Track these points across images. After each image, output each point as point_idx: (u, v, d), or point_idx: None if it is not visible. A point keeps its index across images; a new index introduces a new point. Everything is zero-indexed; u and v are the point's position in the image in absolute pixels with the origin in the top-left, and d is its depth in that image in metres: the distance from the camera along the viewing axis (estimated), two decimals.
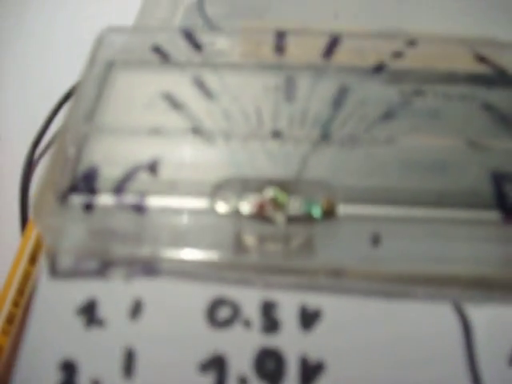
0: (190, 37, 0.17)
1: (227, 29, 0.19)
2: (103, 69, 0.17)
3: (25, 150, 0.25)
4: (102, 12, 0.28)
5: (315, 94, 0.16)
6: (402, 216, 0.14)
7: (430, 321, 0.14)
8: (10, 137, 0.26)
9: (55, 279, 0.14)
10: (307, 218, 0.14)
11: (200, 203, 0.14)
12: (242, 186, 0.15)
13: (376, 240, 0.13)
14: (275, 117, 0.16)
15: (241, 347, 0.13)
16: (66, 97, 0.24)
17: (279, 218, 0.14)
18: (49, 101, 0.25)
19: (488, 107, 0.16)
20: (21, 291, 0.20)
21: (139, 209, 0.13)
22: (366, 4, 0.22)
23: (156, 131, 0.15)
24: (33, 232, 0.21)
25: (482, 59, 0.16)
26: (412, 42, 0.17)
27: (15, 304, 0.20)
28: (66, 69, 0.26)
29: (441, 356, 0.13)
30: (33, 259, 0.21)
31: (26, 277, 0.20)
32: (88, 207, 0.13)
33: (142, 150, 0.15)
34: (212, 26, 0.24)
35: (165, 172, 0.15)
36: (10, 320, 0.19)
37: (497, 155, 0.15)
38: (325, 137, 0.15)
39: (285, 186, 0.15)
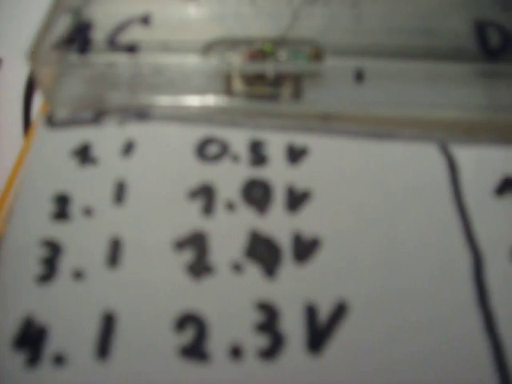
0: None
1: None
2: None
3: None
4: None
5: None
6: (385, 65, 0.15)
7: (416, 160, 0.15)
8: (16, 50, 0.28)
9: (52, 129, 0.16)
10: (295, 64, 0.15)
11: (191, 57, 0.16)
12: (231, 44, 0.16)
13: (359, 76, 0.15)
14: None
15: (229, 177, 0.14)
16: None
17: (268, 65, 0.15)
18: None
19: None
20: None
21: (131, 51, 0.15)
22: None
23: None
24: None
25: None
26: None
27: None
28: None
29: (427, 192, 0.15)
30: None
31: None
32: (83, 51, 0.15)
33: (130, 5, 0.16)
34: None
35: (157, 31, 0.16)
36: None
37: (487, 8, 0.16)
38: None
39: (274, 41, 0.16)
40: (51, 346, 0.12)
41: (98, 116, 0.15)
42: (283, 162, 0.15)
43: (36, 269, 0.13)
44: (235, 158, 0.15)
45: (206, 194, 0.14)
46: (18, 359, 0.12)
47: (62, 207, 0.14)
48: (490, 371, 0.12)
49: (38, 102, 0.26)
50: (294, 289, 0.13)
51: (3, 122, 0.26)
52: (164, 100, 0.15)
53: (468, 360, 0.12)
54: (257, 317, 0.12)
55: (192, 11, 0.16)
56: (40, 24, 0.15)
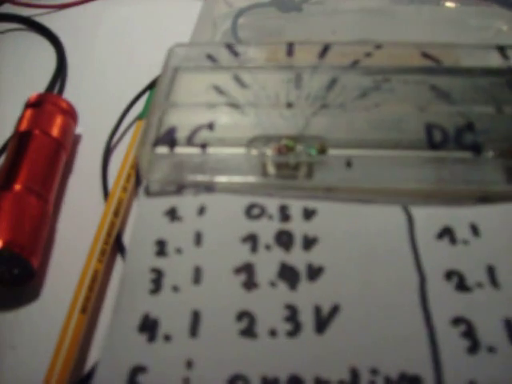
0: (230, 48, 0.30)
1: (254, 43, 0.31)
2: (172, 70, 0.29)
3: (105, 138, 0.38)
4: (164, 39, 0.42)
5: (314, 82, 0.29)
6: (367, 154, 0.26)
7: (386, 216, 0.25)
8: (92, 130, 0.39)
9: (148, 197, 0.26)
10: (308, 156, 0.26)
11: (240, 150, 0.27)
12: (266, 140, 0.27)
13: (349, 164, 0.25)
14: (288, 96, 0.28)
15: (266, 229, 0.25)
16: (136, 98, 0.37)
17: (290, 157, 0.26)
18: (123, 100, 0.39)
19: (432, 88, 0.28)
20: (109, 234, 0.32)
21: (203, 147, 0.26)
22: (356, 23, 0.34)
23: (209, 106, 0.28)
24: (113, 198, 0.34)
25: (426, 56, 0.29)
26: (378, 46, 0.29)
27: (106, 242, 0.32)
28: (123, 92, 0.40)
29: (393, 237, 0.25)
30: (116, 213, 0.33)
31: (113, 225, 0.33)
32: (170, 151, 0.26)
33: (201, 117, 0.27)
34: (224, 42, 0.37)
35: (217, 131, 0.27)
36: (103, 252, 0.32)
37: (434, 115, 0.27)
38: (322, 107, 0.28)
39: (294, 138, 0.27)
40: (162, 330, 0.23)
41: (180, 189, 0.26)
42: (300, 219, 0.25)
43: (148, 285, 0.24)
44: (270, 217, 0.25)
45: (252, 240, 0.25)
46: (142, 338, 0.23)
47: (160, 248, 0.25)
48: (425, 350, 0.22)
49: (112, 172, 0.37)
50: (309, 297, 0.23)
51: (84, 189, 0.37)
52: (223, 179, 0.26)
53: (410, 343, 0.22)
54: (285, 313, 0.23)
55: (239, 118, 0.27)
56: (144, 128, 0.26)
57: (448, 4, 0.38)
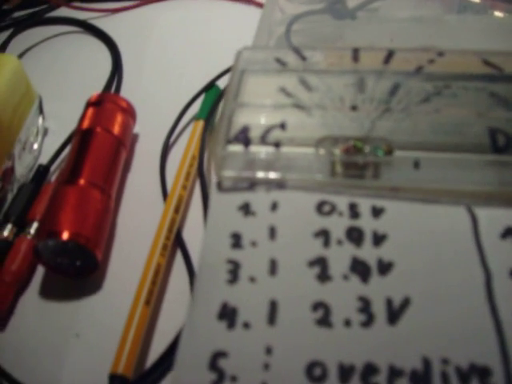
0: (298, 51, 0.32)
1: (321, 47, 0.33)
2: (240, 72, 0.31)
3: (162, 137, 0.39)
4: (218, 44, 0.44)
5: (378, 87, 0.30)
6: (432, 156, 0.28)
7: (451, 215, 0.27)
8: (149, 129, 0.41)
9: (220, 192, 0.28)
10: (375, 156, 0.28)
11: (309, 149, 0.28)
12: (333, 140, 0.29)
13: (416, 165, 0.27)
14: (353, 100, 0.30)
15: (337, 225, 0.26)
16: (192, 100, 0.39)
17: (359, 157, 0.28)
18: (178, 101, 0.40)
19: (492, 94, 0.30)
20: (170, 229, 0.34)
21: (276, 146, 0.28)
22: (412, 31, 0.36)
23: (277, 107, 0.30)
24: (174, 195, 0.35)
25: (487, 63, 0.30)
26: (441, 54, 0.31)
27: (167, 238, 0.34)
28: (178, 94, 0.42)
29: (457, 236, 0.27)
30: (177, 210, 0.35)
31: (173, 221, 0.35)
32: (245, 146, 0.28)
33: (272, 118, 0.29)
34: (296, 52, 0.39)
35: (288, 131, 0.29)
36: (164, 247, 0.33)
37: (494, 120, 0.29)
38: (386, 110, 0.29)
39: (361, 139, 0.29)
40: (241, 318, 0.24)
41: (252, 185, 0.28)
42: (369, 216, 0.27)
43: (225, 275, 0.25)
44: (340, 214, 0.27)
45: (324, 235, 0.26)
46: (221, 325, 0.24)
47: (236, 241, 0.26)
48: (492, 343, 0.23)
49: (169, 170, 0.39)
50: (380, 290, 0.25)
51: (142, 186, 0.39)
52: (293, 176, 0.28)
53: (478, 335, 0.24)
54: (358, 304, 0.24)
55: (307, 119, 0.29)
56: (214, 135, 0.28)
57: (496, 13, 0.40)
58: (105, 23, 0.49)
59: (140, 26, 0.50)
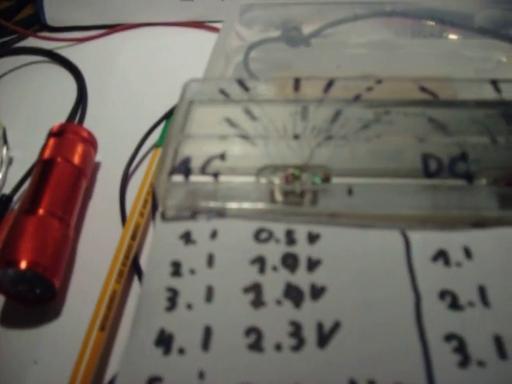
0: (241, 83, 0.33)
1: (264, 78, 0.35)
2: (187, 104, 0.33)
3: (123, 165, 0.41)
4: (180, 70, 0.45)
5: (319, 115, 0.32)
6: (368, 182, 0.29)
7: (385, 240, 0.28)
8: (111, 157, 0.43)
9: (164, 222, 0.30)
10: (313, 184, 0.29)
11: (249, 179, 0.30)
12: (274, 169, 0.30)
13: (350, 192, 0.28)
14: (295, 129, 0.32)
15: (273, 252, 0.28)
16: (152, 128, 0.41)
17: (296, 185, 0.29)
18: (140, 129, 0.42)
19: (430, 120, 0.32)
20: (127, 256, 0.36)
21: (215, 176, 0.29)
22: (363, 57, 0.38)
23: (221, 138, 0.31)
24: (131, 223, 0.37)
25: (423, 89, 0.32)
26: (379, 81, 0.32)
27: (123, 264, 0.35)
28: (140, 122, 0.43)
29: (390, 259, 0.28)
30: (133, 237, 0.36)
31: (130, 247, 0.36)
32: (185, 179, 0.29)
33: (214, 148, 0.31)
34: (253, 77, 0.40)
35: (228, 161, 0.31)
36: (120, 273, 0.35)
37: (430, 145, 0.30)
38: (326, 138, 0.31)
39: (300, 168, 0.30)
40: (176, 344, 0.26)
41: (194, 214, 0.29)
42: (305, 242, 0.28)
43: (164, 303, 0.27)
44: (277, 241, 0.28)
45: (260, 262, 0.27)
46: (158, 351, 0.26)
47: (176, 269, 0.28)
48: (419, 363, 0.24)
49: (130, 198, 0.41)
50: (312, 314, 0.26)
51: (103, 214, 0.40)
52: (234, 205, 0.29)
53: (405, 356, 0.25)
54: (290, 329, 0.26)
55: (249, 149, 0.30)
56: (161, 157, 0.30)
57: (451, 37, 0.41)
58: (71, 52, 0.51)
59: (105, 55, 0.51)
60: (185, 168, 0.28)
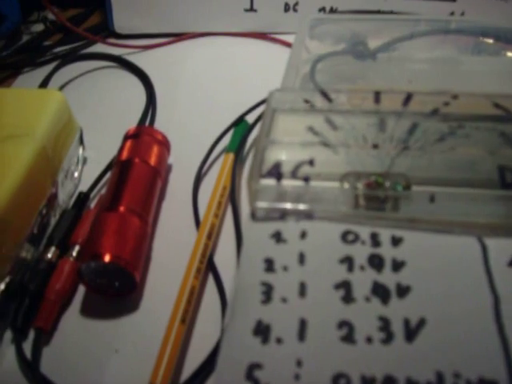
0: (324, 94, 0.37)
1: (345, 90, 0.38)
2: (271, 112, 0.36)
3: (194, 168, 0.44)
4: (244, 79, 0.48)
5: (397, 127, 0.35)
6: (446, 191, 0.32)
7: (463, 245, 0.31)
8: (182, 160, 0.46)
9: (254, 221, 0.33)
10: (395, 191, 0.32)
11: (334, 184, 0.33)
12: (356, 176, 0.33)
13: (432, 199, 0.31)
14: (374, 139, 0.35)
15: (360, 253, 0.30)
16: (223, 133, 0.44)
17: (379, 192, 0.32)
18: (208, 135, 0.45)
19: (502, 134, 0.35)
20: (204, 254, 0.39)
21: (305, 180, 0.32)
22: (428, 72, 0.41)
23: (306, 145, 0.34)
24: (207, 223, 0.40)
25: (497, 106, 0.35)
26: (455, 96, 0.36)
27: (201, 262, 0.38)
28: (208, 127, 0.46)
29: (468, 263, 0.31)
30: (209, 236, 0.39)
31: (206, 246, 0.39)
32: (278, 180, 0.32)
33: (301, 155, 0.34)
34: (319, 89, 0.43)
35: (316, 167, 0.34)
36: (198, 270, 0.38)
37: (504, 158, 0.33)
38: (404, 148, 0.34)
39: (381, 175, 0.33)
40: (274, 334, 0.29)
41: (283, 215, 0.32)
42: (389, 245, 0.31)
43: (260, 296, 0.30)
44: (363, 242, 0.31)
45: (348, 261, 0.31)
46: (257, 340, 0.28)
47: (269, 265, 0.31)
48: (499, 359, 0.27)
49: (201, 199, 0.44)
50: (399, 311, 0.29)
51: (176, 214, 0.43)
52: (320, 208, 0.32)
53: (486, 351, 0.28)
54: (379, 323, 0.29)
55: (332, 156, 0.33)
56: (253, 161, 0.33)
57: (509, 54, 0.44)
58: (139, 59, 0.54)
59: (172, 62, 0.55)
60: (276, 172, 0.31)
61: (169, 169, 0.43)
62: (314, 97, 0.34)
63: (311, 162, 0.31)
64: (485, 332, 0.27)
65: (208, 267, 0.37)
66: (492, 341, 0.26)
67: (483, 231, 0.30)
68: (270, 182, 0.31)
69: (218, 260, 0.37)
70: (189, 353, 0.34)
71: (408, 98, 0.34)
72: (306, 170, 0.31)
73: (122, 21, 0.56)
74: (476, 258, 0.29)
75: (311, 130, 0.33)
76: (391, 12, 0.52)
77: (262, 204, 0.31)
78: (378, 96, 0.34)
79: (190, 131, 0.46)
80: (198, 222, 0.39)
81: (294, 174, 0.31)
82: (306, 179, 0.30)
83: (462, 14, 0.52)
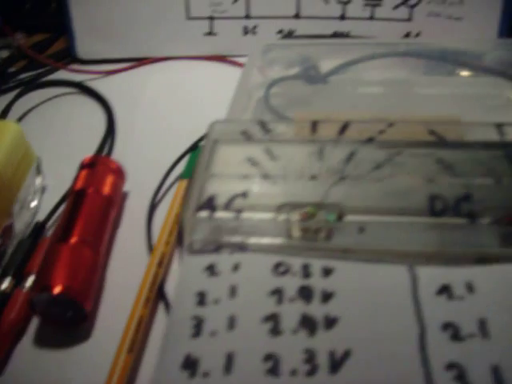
0: (263, 124, 0.37)
1: (283, 120, 0.38)
2: (212, 143, 0.37)
3: (150, 195, 0.45)
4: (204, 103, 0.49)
5: (335, 156, 0.36)
6: (379, 219, 0.33)
7: (393, 274, 0.32)
8: (139, 187, 0.47)
9: (191, 254, 0.33)
10: (327, 221, 0.33)
11: (269, 215, 0.34)
12: (292, 206, 0.34)
13: (361, 230, 0.32)
14: (312, 168, 0.35)
15: (290, 284, 0.31)
16: (177, 160, 0.45)
17: (312, 223, 0.33)
18: (166, 160, 0.46)
19: (438, 160, 0.35)
20: (153, 283, 0.39)
21: (238, 213, 0.33)
22: (380, 97, 0.42)
23: (244, 177, 0.35)
24: (158, 251, 0.41)
25: (432, 132, 0.36)
26: (391, 124, 0.36)
27: (150, 290, 0.39)
28: (166, 153, 0.47)
29: (397, 293, 0.31)
30: (160, 264, 0.40)
31: (156, 275, 0.40)
32: (210, 216, 0.33)
33: (236, 187, 0.34)
34: (274, 113, 0.44)
35: (250, 199, 0.34)
36: (147, 299, 0.39)
37: (437, 186, 0.34)
38: (341, 178, 0.35)
39: (316, 205, 0.34)
40: (201, 368, 0.29)
41: (218, 248, 0.33)
42: (320, 276, 0.32)
43: (190, 330, 0.31)
44: (294, 274, 0.32)
45: (278, 293, 0.31)
46: (184, 374, 0.29)
47: (200, 299, 0.31)
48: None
49: (156, 226, 0.44)
50: (325, 343, 0.29)
51: (130, 242, 0.44)
52: (254, 240, 0.33)
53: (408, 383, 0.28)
54: (304, 356, 0.29)
55: (269, 187, 0.34)
56: (187, 194, 0.33)
57: (462, 73, 0.45)
58: (101, 84, 0.55)
59: (133, 87, 0.56)
60: (210, 205, 0.32)
61: (125, 196, 0.44)
62: (253, 128, 0.35)
63: (244, 195, 0.32)
64: (409, 363, 0.27)
65: (158, 295, 0.38)
66: (415, 373, 0.27)
67: (414, 260, 0.30)
68: (204, 214, 0.31)
69: (170, 288, 0.38)
70: (137, 382, 0.34)
71: (344, 127, 0.34)
72: (239, 202, 0.32)
73: (85, 46, 0.57)
74: (405, 287, 0.30)
75: (250, 160, 0.34)
76: (347, 33, 0.53)
77: (197, 237, 0.32)
78: (314, 126, 0.35)
79: (148, 157, 0.47)
80: (151, 250, 0.40)
81: (227, 207, 0.31)
82: (239, 211, 0.31)
83: (418, 33, 0.53)
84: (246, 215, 0.31)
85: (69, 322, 0.37)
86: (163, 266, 0.38)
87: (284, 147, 0.34)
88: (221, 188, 0.32)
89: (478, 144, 0.33)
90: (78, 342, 0.36)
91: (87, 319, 0.36)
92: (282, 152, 0.34)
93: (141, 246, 0.40)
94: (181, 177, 0.43)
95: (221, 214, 0.31)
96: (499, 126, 0.34)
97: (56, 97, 0.56)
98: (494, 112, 0.43)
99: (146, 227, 0.41)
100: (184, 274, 0.31)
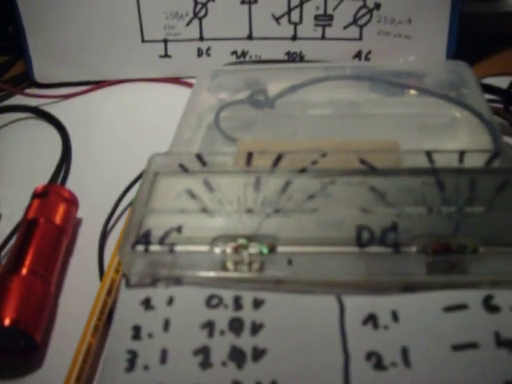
0: (199, 157, 0.39)
1: (220, 152, 0.40)
2: (152, 176, 0.38)
3: (103, 222, 0.46)
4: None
5: (270, 186, 0.37)
6: (308, 250, 0.34)
7: (321, 304, 0.33)
8: (92, 214, 0.48)
9: (128, 288, 0.35)
10: (260, 253, 0.34)
11: (204, 248, 0.35)
12: (226, 239, 0.35)
13: (290, 262, 0.33)
14: (248, 199, 0.37)
15: (222, 317, 0.33)
16: (128, 187, 0.46)
17: (244, 255, 0.34)
18: (121, 185, 0.47)
19: (371, 188, 0.37)
20: (102, 311, 0.41)
21: (171, 250, 0.34)
22: (314, 122, 0.43)
23: (181, 211, 0.36)
24: (107, 280, 0.42)
25: (363, 161, 0.37)
26: (323, 155, 0.38)
27: (99, 319, 0.40)
28: (122, 177, 0.49)
29: (325, 323, 0.33)
30: (109, 293, 0.42)
31: (106, 303, 0.41)
32: (146, 250, 0.34)
33: (172, 221, 0.36)
34: (225, 136, 0.46)
35: (185, 232, 0.36)
36: (96, 327, 0.40)
37: (367, 216, 0.35)
38: (275, 209, 0.36)
39: (250, 237, 0.35)
40: None
41: (154, 282, 0.35)
42: (250, 308, 0.33)
43: (124, 364, 0.32)
44: (226, 306, 0.33)
45: (209, 326, 0.33)
46: None
47: (136, 333, 0.33)
48: None
49: (108, 253, 0.46)
50: (252, 375, 0.31)
51: (82, 270, 0.46)
52: (189, 273, 0.34)
53: None
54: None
55: (206, 220, 0.35)
56: (122, 236, 0.35)
57: (411, 92, 0.46)
58: (57, 109, 0.57)
59: (89, 111, 0.57)
60: (145, 239, 0.33)
61: (78, 223, 0.45)
62: (190, 161, 0.36)
63: (179, 229, 0.33)
64: None
65: (108, 324, 0.39)
66: None
67: (343, 289, 0.32)
68: (141, 248, 0.33)
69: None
70: None
71: (278, 159, 0.36)
72: (174, 236, 0.33)
73: (41, 70, 0.58)
74: (332, 317, 0.31)
75: (189, 193, 0.35)
76: (300, 53, 0.54)
77: (133, 270, 0.33)
78: (250, 157, 0.36)
79: (102, 183, 0.48)
80: (102, 278, 0.41)
81: (162, 241, 0.33)
82: (172, 245, 0.32)
83: (369, 52, 0.54)
84: (180, 249, 0.32)
85: (20, 352, 0.38)
86: (112, 293, 0.40)
87: (222, 178, 0.35)
88: (158, 222, 0.33)
89: (409, 171, 0.35)
90: (29, 372, 0.37)
91: (38, 349, 0.38)
92: (219, 183, 0.35)
93: (93, 274, 0.42)
94: (131, 203, 0.44)
95: (156, 248, 0.32)
96: (428, 154, 0.35)
97: (12, 122, 0.57)
98: (441, 131, 0.45)
99: (98, 254, 0.42)
100: (121, 308, 0.32)
